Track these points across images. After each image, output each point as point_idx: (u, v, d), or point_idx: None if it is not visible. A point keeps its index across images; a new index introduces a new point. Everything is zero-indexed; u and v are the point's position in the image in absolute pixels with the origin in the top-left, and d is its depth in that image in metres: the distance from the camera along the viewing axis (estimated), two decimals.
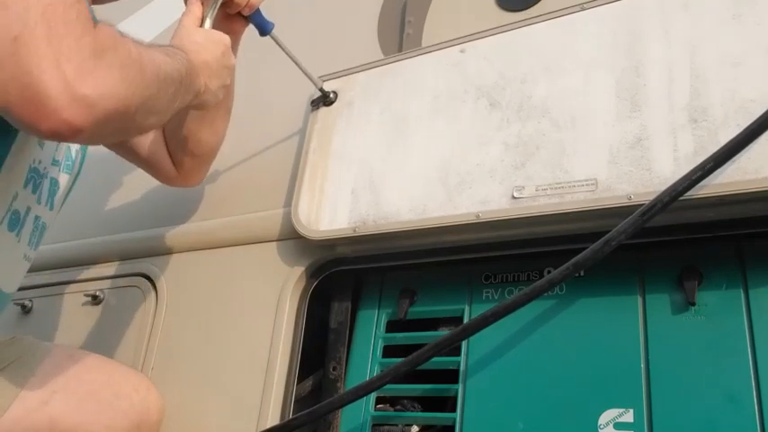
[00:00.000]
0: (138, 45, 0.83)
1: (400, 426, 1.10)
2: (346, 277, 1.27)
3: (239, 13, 1.18)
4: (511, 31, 1.17)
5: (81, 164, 1.24)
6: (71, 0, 0.74)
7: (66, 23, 0.72)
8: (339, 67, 1.36)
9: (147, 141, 1.31)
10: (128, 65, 0.79)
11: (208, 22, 1.12)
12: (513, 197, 1.02)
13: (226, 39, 1.11)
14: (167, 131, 1.32)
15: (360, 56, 1.38)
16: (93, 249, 1.61)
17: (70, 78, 0.71)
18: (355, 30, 1.50)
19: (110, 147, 1.32)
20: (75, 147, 1.20)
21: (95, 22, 0.77)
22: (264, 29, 1.21)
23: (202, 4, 1.12)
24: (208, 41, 1.07)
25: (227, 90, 1.18)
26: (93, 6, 1.14)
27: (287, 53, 1.25)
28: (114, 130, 0.84)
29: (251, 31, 1.24)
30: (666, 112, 0.96)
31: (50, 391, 1.08)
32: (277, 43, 1.23)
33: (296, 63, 1.27)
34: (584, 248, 0.89)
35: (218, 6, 1.13)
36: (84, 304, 1.52)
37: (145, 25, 1.85)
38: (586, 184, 0.97)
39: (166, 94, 0.89)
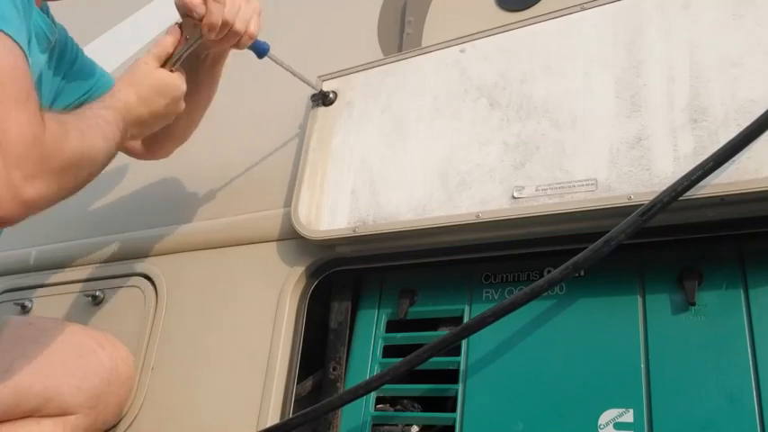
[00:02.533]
0: (80, 133, 0.90)
1: (400, 426, 1.10)
2: (346, 277, 1.27)
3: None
4: (511, 31, 1.17)
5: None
6: (22, 103, 0.81)
7: (18, 133, 0.79)
8: (339, 67, 1.36)
9: None
10: (67, 168, 0.87)
11: (174, 62, 1.10)
12: (513, 197, 1.02)
13: (178, 89, 1.10)
14: None
15: (360, 56, 1.38)
16: (93, 249, 1.61)
17: (16, 183, 0.80)
18: (355, 30, 1.50)
19: None
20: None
21: (42, 113, 0.84)
22: (262, 51, 1.21)
23: (181, 37, 1.10)
24: (154, 93, 1.07)
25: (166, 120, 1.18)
26: (50, 3, 1.15)
27: (285, 68, 1.25)
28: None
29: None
30: (666, 112, 0.96)
31: (10, 359, 1.09)
32: (274, 61, 1.23)
33: (295, 74, 1.28)
34: (584, 248, 0.89)
35: (191, 48, 1.11)
36: (84, 304, 1.52)
37: (143, 26, 1.85)
38: (586, 184, 0.97)
39: (93, 174, 0.97)
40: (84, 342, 1.19)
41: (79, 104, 1.24)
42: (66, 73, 1.26)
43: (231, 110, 1.59)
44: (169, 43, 1.10)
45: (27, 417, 1.08)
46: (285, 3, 1.64)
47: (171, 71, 1.10)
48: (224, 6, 1.07)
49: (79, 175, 0.91)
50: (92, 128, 0.94)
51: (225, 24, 1.09)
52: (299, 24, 1.57)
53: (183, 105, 1.13)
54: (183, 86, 1.11)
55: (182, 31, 1.11)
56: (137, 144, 1.33)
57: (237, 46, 1.16)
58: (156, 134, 1.28)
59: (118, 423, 1.33)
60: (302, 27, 1.57)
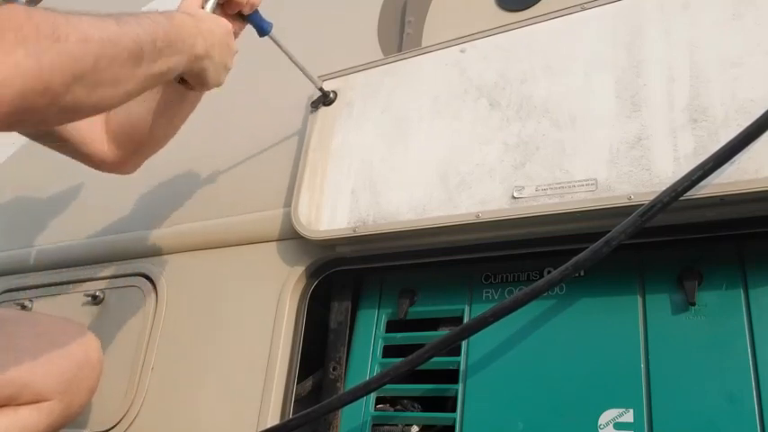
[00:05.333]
0: (60, 17, 0.77)
1: (400, 426, 1.10)
2: (346, 277, 1.27)
3: (238, 13, 1.18)
4: (511, 31, 1.17)
5: None
6: None
7: None
8: (339, 67, 1.36)
9: (79, 126, 1.22)
10: (37, 41, 0.73)
11: (209, 8, 1.09)
12: (513, 197, 1.02)
13: (229, 24, 1.08)
14: (118, 117, 1.24)
15: (360, 56, 1.38)
16: (93, 249, 1.61)
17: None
18: (355, 30, 1.50)
19: (29, 135, 1.24)
20: None
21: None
22: (263, 29, 1.21)
23: None
24: (211, 19, 1.04)
25: (227, 74, 1.12)
26: None
27: (286, 53, 1.25)
28: (45, 110, 0.78)
29: (250, 30, 1.23)
30: (666, 112, 0.96)
31: None
32: (276, 44, 1.23)
33: (295, 63, 1.27)
34: (584, 248, 0.89)
35: (216, 1, 1.11)
36: (84, 304, 1.52)
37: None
38: (586, 184, 0.97)
39: (115, 64, 0.82)
40: (52, 329, 1.20)
41: None
42: None
43: (231, 110, 1.59)
44: None
45: (3, 405, 1.09)
46: (285, 2, 1.64)
47: None
48: None
49: (67, 51, 0.76)
50: (113, 18, 0.83)
51: None
52: (298, 24, 1.57)
53: (236, 46, 1.10)
54: (229, 24, 1.08)
55: None
56: (104, 154, 1.25)
57: (241, 8, 1.15)
58: (130, 137, 1.24)
59: (117, 424, 1.33)
60: (302, 27, 1.57)
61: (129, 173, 1.33)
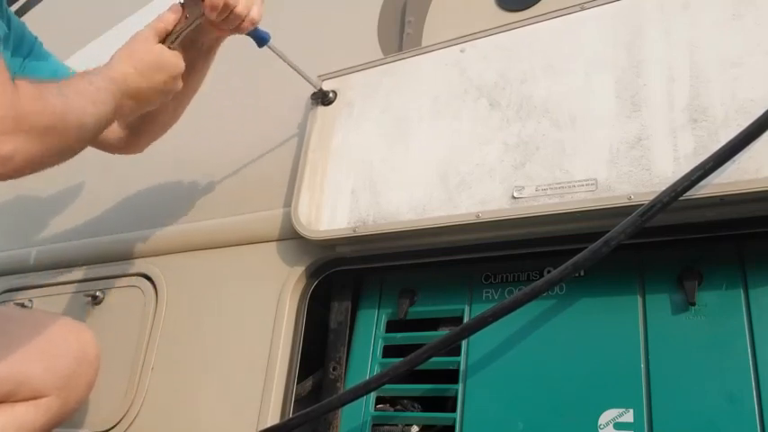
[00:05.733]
0: (62, 95, 0.90)
1: (400, 426, 1.10)
2: (346, 277, 1.27)
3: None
4: (511, 31, 1.17)
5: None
6: None
7: None
8: (339, 67, 1.36)
9: None
10: (49, 127, 0.87)
11: (174, 39, 1.09)
12: (513, 197, 1.02)
13: (176, 67, 1.09)
14: None
15: (360, 55, 1.38)
16: (94, 249, 1.61)
17: None
18: (355, 29, 1.50)
19: None
20: None
21: (13, 78, 0.84)
22: (262, 40, 1.20)
23: (182, 15, 1.10)
24: (153, 67, 1.06)
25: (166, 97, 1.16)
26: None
27: (285, 60, 1.25)
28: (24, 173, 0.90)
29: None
30: (666, 112, 0.96)
31: None
32: (275, 52, 1.23)
33: (294, 68, 1.27)
34: (584, 248, 0.89)
35: (191, 27, 1.10)
36: (84, 304, 1.52)
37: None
38: (586, 184, 0.97)
39: (84, 138, 0.96)
40: (49, 326, 1.20)
41: None
42: (21, 63, 1.25)
43: (231, 110, 1.59)
44: (170, 20, 1.10)
45: (0, 402, 1.10)
46: (285, 2, 1.64)
47: (169, 48, 1.09)
48: None
49: (65, 136, 0.91)
50: (79, 92, 0.94)
51: (226, 6, 1.09)
52: (299, 24, 1.57)
53: (180, 84, 1.12)
54: (182, 64, 1.10)
55: (183, 10, 1.10)
56: (114, 135, 1.31)
57: (238, 30, 1.15)
58: (137, 123, 1.28)
59: (117, 424, 1.33)
60: (302, 27, 1.57)
61: (136, 152, 1.37)
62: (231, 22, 1.12)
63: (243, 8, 1.11)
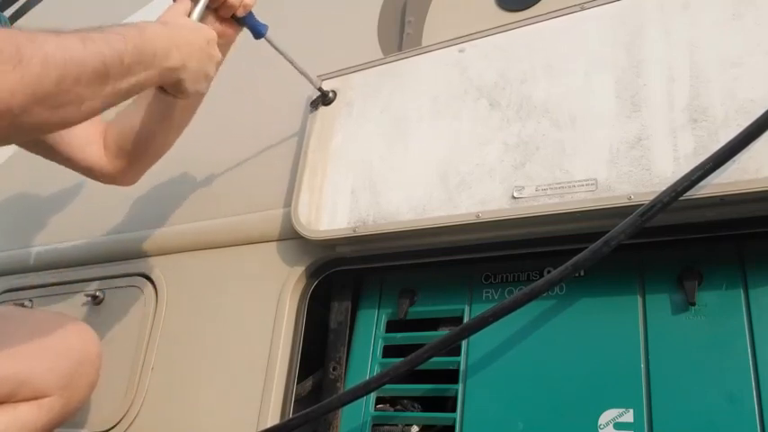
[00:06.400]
0: (23, 38, 0.78)
1: (400, 426, 1.10)
2: (346, 277, 1.27)
3: (232, 16, 1.16)
4: (511, 31, 1.17)
5: None
6: None
7: None
8: (339, 67, 1.36)
9: (74, 138, 1.22)
10: (43, 69, 0.76)
11: (195, 16, 1.07)
12: (513, 197, 1.02)
13: (212, 33, 1.07)
14: (119, 128, 1.25)
15: (359, 55, 1.38)
16: (94, 249, 1.61)
17: None
18: (355, 29, 1.50)
19: (25, 147, 1.24)
20: None
21: None
22: (258, 32, 1.20)
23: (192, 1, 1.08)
24: (190, 28, 1.02)
25: (208, 83, 1.12)
26: None
27: (283, 55, 1.24)
28: (5, 130, 0.79)
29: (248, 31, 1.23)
30: (666, 112, 0.96)
31: None
32: (272, 45, 1.22)
33: (292, 64, 1.26)
34: (584, 248, 0.89)
35: (205, 3, 1.09)
36: (84, 304, 1.52)
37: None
38: (586, 184, 0.97)
39: (79, 84, 0.82)
40: (50, 326, 1.20)
41: None
42: None
43: (231, 110, 1.59)
44: (183, 3, 1.07)
45: (2, 402, 1.10)
46: (285, 2, 1.64)
47: None
48: None
49: (29, 71, 0.77)
50: (78, 36, 0.84)
51: None
52: (298, 24, 1.57)
53: (219, 54, 1.08)
54: (213, 32, 1.07)
55: None
56: (104, 165, 1.26)
57: (234, 11, 1.14)
58: (127, 149, 1.23)
59: (117, 424, 1.33)
60: (302, 27, 1.57)
61: (129, 184, 1.32)
62: (226, 9, 1.12)
63: None
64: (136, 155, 1.25)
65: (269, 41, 1.22)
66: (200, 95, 1.13)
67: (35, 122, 0.81)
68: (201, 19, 1.09)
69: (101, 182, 1.30)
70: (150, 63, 0.93)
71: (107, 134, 1.26)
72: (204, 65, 1.04)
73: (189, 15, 1.07)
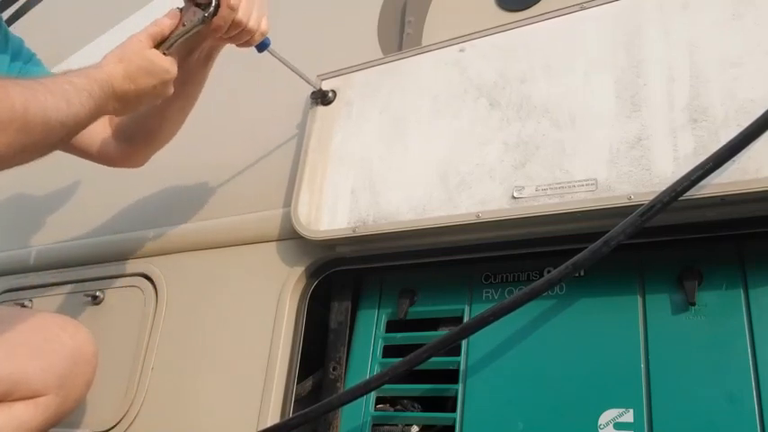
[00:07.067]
0: (29, 89, 0.88)
1: (400, 426, 1.10)
2: (346, 277, 1.27)
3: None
4: (511, 31, 1.17)
5: None
6: None
7: None
8: (339, 66, 1.36)
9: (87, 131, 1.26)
10: (6, 120, 0.84)
11: (169, 46, 1.07)
12: (513, 197, 1.02)
13: (168, 73, 1.07)
14: (122, 122, 1.29)
15: (359, 55, 1.38)
16: (94, 249, 1.61)
17: None
18: (355, 29, 1.50)
19: None
20: None
21: None
22: (263, 44, 1.20)
23: (180, 21, 1.08)
24: (143, 71, 1.04)
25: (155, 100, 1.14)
26: None
27: (284, 62, 1.25)
28: None
29: None
30: (666, 112, 0.96)
31: None
32: (274, 56, 1.23)
33: (294, 70, 1.27)
34: (584, 248, 0.89)
35: (189, 35, 1.08)
36: (84, 304, 1.52)
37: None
38: (586, 184, 0.97)
39: (53, 136, 0.93)
40: (45, 325, 1.20)
41: None
42: (20, 69, 1.26)
43: (230, 110, 1.59)
44: (166, 25, 1.08)
45: None
46: (286, 2, 1.64)
47: (164, 54, 1.07)
48: (236, 12, 1.07)
49: (27, 132, 0.87)
50: (52, 89, 0.92)
51: (237, 24, 1.09)
52: (298, 24, 1.57)
53: (171, 89, 1.10)
54: (174, 70, 1.08)
55: (181, 16, 1.08)
56: (112, 147, 1.30)
57: (248, 44, 1.15)
58: (135, 136, 1.28)
59: (117, 424, 1.33)
60: (302, 26, 1.57)
61: (138, 166, 1.36)
62: (241, 37, 1.13)
63: (254, 23, 1.11)
64: (143, 139, 1.28)
65: (272, 53, 1.22)
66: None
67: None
68: (180, 43, 1.09)
69: (110, 166, 1.33)
70: (105, 109, 1.03)
71: (114, 122, 1.30)
72: (150, 102, 1.09)
73: (161, 43, 1.07)
